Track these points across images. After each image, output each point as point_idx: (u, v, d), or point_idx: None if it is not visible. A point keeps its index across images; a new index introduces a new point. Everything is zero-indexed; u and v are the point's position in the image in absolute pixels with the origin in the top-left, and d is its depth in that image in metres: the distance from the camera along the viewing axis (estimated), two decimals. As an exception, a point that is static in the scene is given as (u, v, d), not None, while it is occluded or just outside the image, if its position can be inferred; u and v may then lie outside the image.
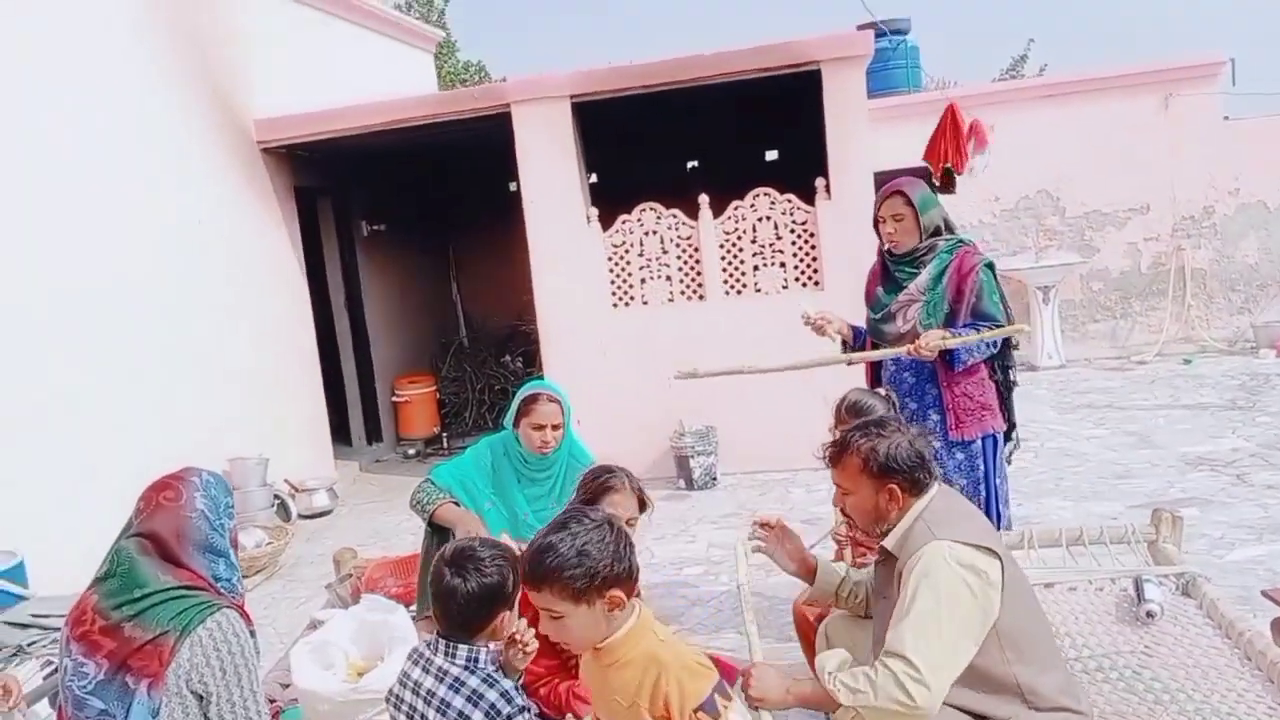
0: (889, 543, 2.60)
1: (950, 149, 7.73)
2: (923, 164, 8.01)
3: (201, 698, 2.28)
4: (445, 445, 9.50)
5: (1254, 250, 10.54)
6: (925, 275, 4.01)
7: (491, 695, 2.28)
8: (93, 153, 6.13)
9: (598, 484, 3.13)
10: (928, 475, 2.62)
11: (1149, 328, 10.72)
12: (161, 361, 6.50)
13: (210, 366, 6.97)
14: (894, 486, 2.57)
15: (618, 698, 2.18)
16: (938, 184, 7.79)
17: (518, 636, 2.44)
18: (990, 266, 4.02)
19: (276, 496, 7.16)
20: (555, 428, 3.78)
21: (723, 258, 7.59)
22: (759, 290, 7.56)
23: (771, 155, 11.02)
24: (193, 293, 6.91)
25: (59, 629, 3.76)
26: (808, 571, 3.08)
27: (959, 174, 7.75)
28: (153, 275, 6.53)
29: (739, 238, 7.55)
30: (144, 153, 6.62)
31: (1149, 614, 3.09)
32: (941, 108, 8.35)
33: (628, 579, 2.19)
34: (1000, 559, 2.44)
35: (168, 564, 2.38)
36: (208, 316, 7.04)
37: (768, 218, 7.51)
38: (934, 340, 3.81)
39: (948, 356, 3.90)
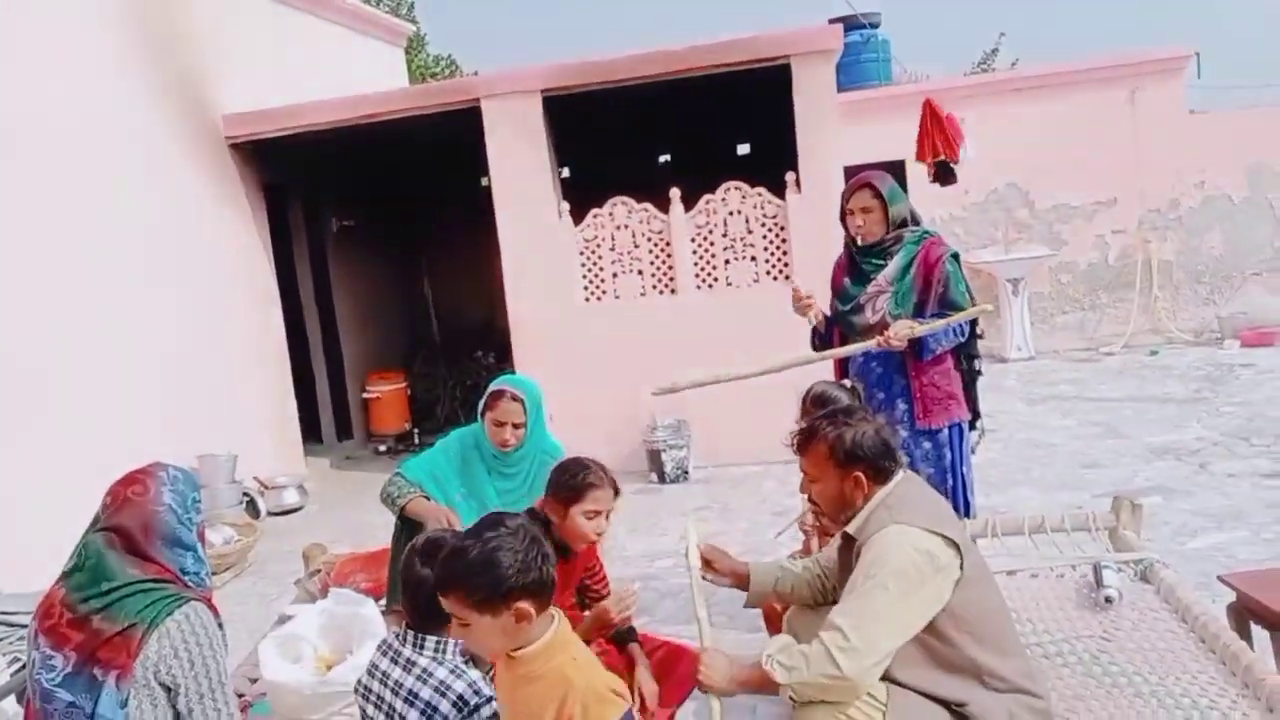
0: (851, 527, 2.64)
1: (940, 141, 7.72)
2: (917, 161, 7.98)
3: (170, 689, 2.29)
4: (416, 441, 9.47)
5: (1219, 242, 10.68)
6: (893, 266, 4.07)
7: (459, 686, 2.30)
8: (59, 148, 6.09)
9: (581, 482, 3.08)
10: (893, 463, 2.66)
11: (1116, 319, 10.85)
12: (128, 357, 6.46)
13: (178, 362, 6.93)
14: (859, 474, 2.61)
15: (524, 710, 2.14)
16: (934, 178, 7.78)
17: None
18: (956, 257, 4.09)
19: (245, 493, 7.13)
20: (516, 426, 3.78)
21: (694, 251, 7.62)
22: (730, 284, 7.60)
23: (743, 149, 11.07)
24: (160, 289, 6.87)
25: (24, 625, 3.76)
26: (742, 580, 3.11)
27: (954, 164, 7.74)
28: (120, 271, 6.49)
29: (710, 231, 7.59)
30: (111, 148, 6.58)
31: (1108, 599, 3.15)
32: (912, 102, 8.39)
33: (537, 591, 2.12)
34: (957, 546, 2.48)
35: (135, 558, 2.37)
36: (176, 313, 7.00)
37: (739, 211, 7.55)
38: (903, 330, 3.88)
39: (916, 346, 3.96)
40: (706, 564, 3.11)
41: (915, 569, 2.42)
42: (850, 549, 2.65)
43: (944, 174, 7.77)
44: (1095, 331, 10.94)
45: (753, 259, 7.57)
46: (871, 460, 2.62)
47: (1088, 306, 10.98)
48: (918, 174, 8.56)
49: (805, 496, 2.86)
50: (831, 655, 2.35)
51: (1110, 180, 10.66)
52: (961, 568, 2.49)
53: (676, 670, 3.22)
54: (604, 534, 3.18)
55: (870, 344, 3.97)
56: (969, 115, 9.46)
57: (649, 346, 7.59)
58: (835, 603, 2.91)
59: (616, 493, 3.18)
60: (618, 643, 3.29)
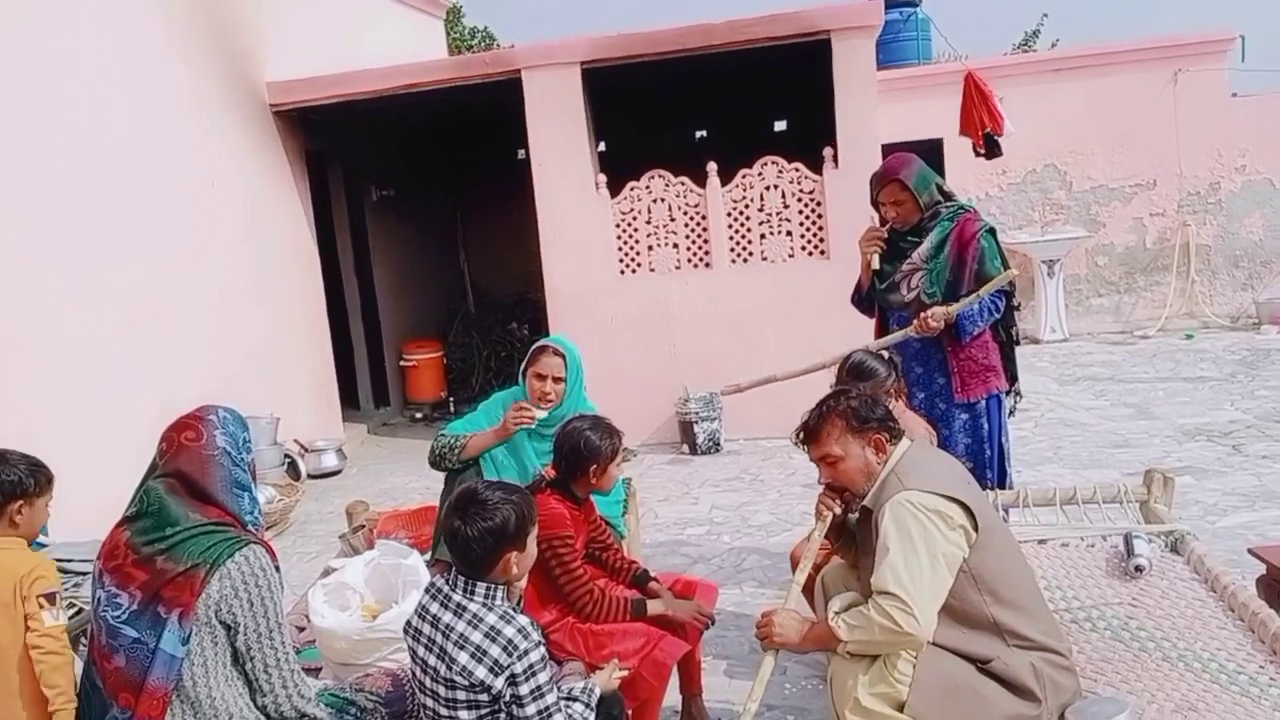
0: (868, 500, 2.73)
1: (983, 115, 7.68)
2: (961, 135, 7.96)
3: (230, 628, 2.39)
4: (452, 410, 9.61)
5: (1259, 227, 10.59)
6: (927, 244, 4.11)
7: (509, 631, 2.38)
8: (106, 114, 6.19)
9: (618, 443, 3.37)
10: (896, 424, 2.78)
11: (1152, 303, 10.79)
12: (174, 320, 6.60)
13: (222, 326, 7.07)
14: (877, 436, 2.71)
15: None
16: (982, 152, 7.75)
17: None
18: (992, 232, 4.12)
19: (286, 455, 7.27)
20: (556, 380, 3.84)
21: (730, 226, 7.66)
22: (765, 259, 7.64)
23: (780, 125, 11.07)
24: (205, 253, 7.00)
25: (79, 572, 3.89)
26: None
27: (999, 136, 7.70)
28: (166, 234, 6.62)
29: (746, 206, 7.63)
30: (157, 114, 6.69)
31: (1138, 568, 3.19)
32: (951, 80, 8.37)
33: None
34: (967, 506, 2.57)
35: (196, 502, 2.47)
36: (220, 277, 7.14)
37: (775, 186, 7.58)
38: (939, 312, 3.94)
39: (955, 330, 4.00)
40: None
41: (933, 526, 2.52)
42: (869, 522, 2.73)
43: (990, 147, 7.72)
44: (1130, 315, 10.88)
45: (788, 234, 7.60)
46: (881, 420, 2.74)
47: (1123, 289, 10.92)
48: (954, 151, 8.55)
49: (824, 484, 2.93)
50: (893, 617, 2.45)
51: (1150, 163, 10.58)
52: (976, 529, 2.57)
53: (692, 599, 3.42)
54: None
55: (909, 331, 4.02)
56: (1008, 95, 9.46)
57: (683, 319, 7.67)
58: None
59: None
60: (638, 585, 3.44)
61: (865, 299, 4.40)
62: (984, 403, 4.11)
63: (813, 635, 2.72)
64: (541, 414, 3.75)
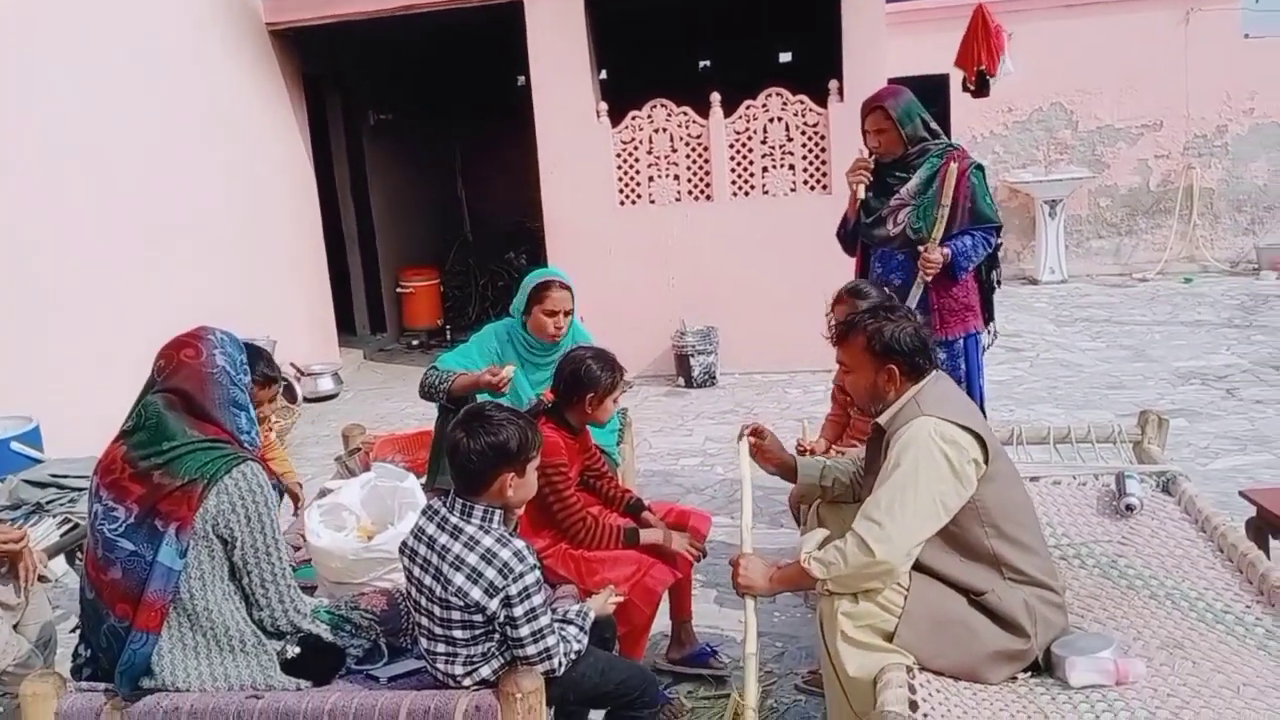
0: (882, 419, 2.71)
1: (982, 52, 7.59)
2: (956, 69, 7.87)
3: (227, 542, 2.40)
4: (449, 337, 9.61)
5: (1264, 171, 10.51)
6: (915, 180, 4.11)
7: (505, 554, 2.39)
8: (99, 29, 6.08)
9: (619, 377, 3.36)
10: (927, 361, 2.72)
11: (1153, 246, 10.75)
12: (171, 244, 6.55)
13: (218, 250, 7.02)
14: (893, 367, 2.68)
15: None
16: (972, 88, 7.68)
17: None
18: (980, 169, 4.13)
19: (283, 378, 7.25)
20: (566, 314, 3.86)
21: (732, 158, 7.58)
22: (766, 192, 7.58)
23: (785, 57, 10.91)
24: (201, 176, 6.93)
25: (74, 488, 3.92)
26: (789, 471, 3.21)
27: (992, 77, 7.62)
28: (162, 152, 6.54)
29: (749, 138, 7.54)
30: (152, 30, 6.56)
31: (1128, 507, 3.21)
32: (960, 15, 8.23)
33: None
34: (983, 440, 2.56)
35: (193, 418, 2.47)
36: (216, 200, 7.07)
37: (779, 118, 7.49)
38: (935, 254, 3.96)
39: (950, 268, 4.01)
40: (759, 449, 3.18)
41: (945, 459, 2.50)
42: (880, 441, 2.73)
43: (981, 85, 7.62)
44: (1130, 257, 10.84)
45: (791, 168, 7.53)
46: (906, 355, 2.68)
47: (1125, 232, 10.86)
48: (960, 87, 8.43)
49: (836, 385, 2.96)
50: (866, 544, 2.45)
51: (1158, 104, 10.45)
52: (987, 462, 2.57)
53: (686, 528, 3.45)
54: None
55: (921, 278, 4.00)
56: (1018, 30, 9.30)
57: (682, 252, 7.63)
58: (856, 500, 3.01)
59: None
60: (632, 513, 3.45)
61: (850, 234, 4.38)
62: (961, 341, 4.15)
63: (781, 577, 2.70)
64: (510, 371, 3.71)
